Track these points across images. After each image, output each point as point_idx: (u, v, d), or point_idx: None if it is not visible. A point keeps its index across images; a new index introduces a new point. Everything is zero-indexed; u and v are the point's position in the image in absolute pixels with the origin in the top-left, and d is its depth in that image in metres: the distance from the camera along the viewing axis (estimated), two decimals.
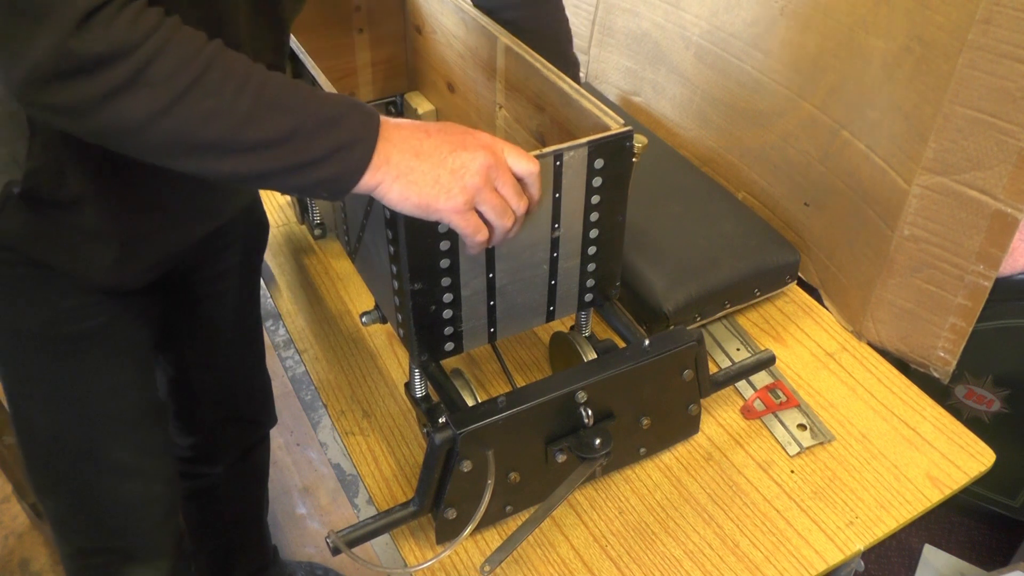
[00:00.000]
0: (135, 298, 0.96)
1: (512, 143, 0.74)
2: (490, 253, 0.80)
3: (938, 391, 1.05)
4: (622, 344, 0.93)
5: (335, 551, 0.78)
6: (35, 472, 1.06)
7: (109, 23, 0.59)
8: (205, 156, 0.66)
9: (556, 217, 0.81)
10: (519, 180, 0.73)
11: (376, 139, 0.68)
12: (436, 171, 0.69)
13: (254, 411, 1.37)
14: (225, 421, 1.29)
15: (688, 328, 0.90)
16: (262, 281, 1.20)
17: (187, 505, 1.29)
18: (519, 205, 0.73)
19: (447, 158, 0.70)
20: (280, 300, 1.17)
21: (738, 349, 1.08)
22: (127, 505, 1.11)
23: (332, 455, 2.16)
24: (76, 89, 0.61)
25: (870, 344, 1.08)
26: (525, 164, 0.73)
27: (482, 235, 0.71)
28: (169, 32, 0.62)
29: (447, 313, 0.82)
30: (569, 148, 0.77)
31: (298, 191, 0.73)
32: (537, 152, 0.76)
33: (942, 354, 1.02)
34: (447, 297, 0.80)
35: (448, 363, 0.92)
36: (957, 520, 1.77)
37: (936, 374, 1.04)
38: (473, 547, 0.87)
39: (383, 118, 0.70)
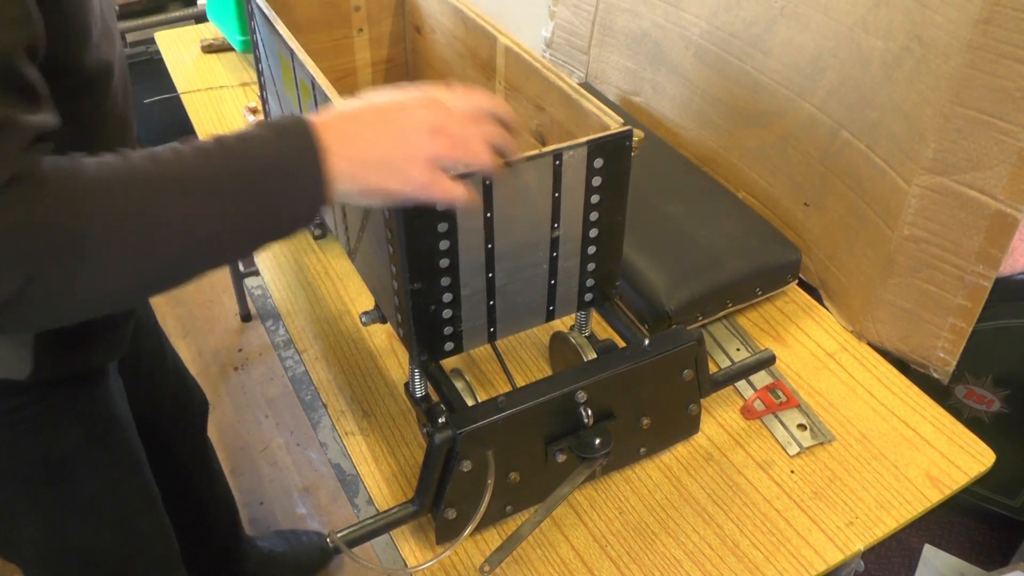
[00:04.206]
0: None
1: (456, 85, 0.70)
2: (490, 253, 0.80)
3: (938, 391, 1.05)
4: (622, 344, 0.93)
5: (335, 551, 0.77)
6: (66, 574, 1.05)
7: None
8: (194, 272, 0.62)
9: (556, 217, 0.81)
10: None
11: (319, 160, 0.63)
12: (387, 162, 0.65)
13: (189, 393, 1.39)
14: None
15: (689, 327, 0.90)
16: (262, 281, 1.20)
17: None
18: (488, 133, 0.68)
19: (391, 141, 0.65)
20: (280, 300, 1.17)
21: (738, 349, 1.08)
22: (159, 564, 1.13)
23: (332, 455, 2.17)
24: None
25: (870, 344, 1.08)
26: (469, 101, 0.68)
27: (459, 192, 0.67)
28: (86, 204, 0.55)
29: (447, 313, 0.82)
30: (569, 148, 0.77)
31: (275, 240, 0.67)
32: (537, 152, 0.76)
33: (942, 354, 1.02)
34: (447, 297, 0.80)
35: (448, 363, 0.92)
36: (957, 520, 1.77)
37: (936, 374, 1.04)
38: (473, 547, 0.87)
39: (313, 124, 0.63)
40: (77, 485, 0.97)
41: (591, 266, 0.87)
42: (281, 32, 0.95)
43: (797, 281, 1.15)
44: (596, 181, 0.81)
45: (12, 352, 0.82)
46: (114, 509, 1.03)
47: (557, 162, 0.77)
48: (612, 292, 0.91)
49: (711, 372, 0.91)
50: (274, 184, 0.62)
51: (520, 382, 0.98)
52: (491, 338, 0.87)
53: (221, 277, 2.54)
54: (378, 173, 0.65)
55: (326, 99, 0.84)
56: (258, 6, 1.03)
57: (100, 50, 0.77)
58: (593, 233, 0.85)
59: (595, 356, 0.94)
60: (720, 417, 1.00)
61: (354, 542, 0.78)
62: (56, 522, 0.98)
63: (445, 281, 0.79)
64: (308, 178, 0.62)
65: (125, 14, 2.70)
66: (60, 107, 0.63)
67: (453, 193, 0.67)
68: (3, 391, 0.85)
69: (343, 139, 0.64)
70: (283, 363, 2.30)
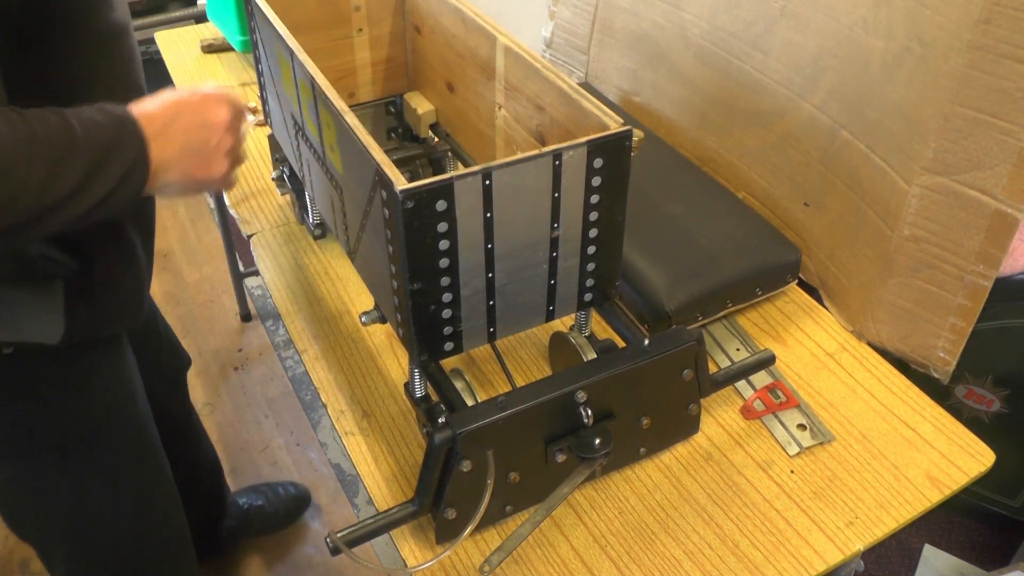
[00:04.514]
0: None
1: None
2: (490, 253, 0.80)
3: (938, 391, 1.05)
4: (622, 344, 0.93)
5: (335, 551, 0.77)
6: (87, 556, 1.07)
7: None
8: (16, 232, 0.67)
9: (555, 217, 0.81)
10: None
11: (146, 146, 0.72)
12: (197, 151, 0.75)
13: (179, 358, 1.43)
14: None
15: (689, 327, 0.90)
16: (262, 281, 1.20)
17: None
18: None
19: (201, 133, 0.76)
20: (280, 300, 1.16)
21: (738, 349, 1.08)
22: (173, 551, 1.17)
23: (332, 455, 2.17)
24: None
25: (870, 344, 1.08)
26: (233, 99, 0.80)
27: (233, 179, 0.82)
28: None
29: (447, 313, 0.82)
30: (568, 148, 0.77)
31: (95, 219, 0.74)
32: (537, 152, 0.76)
33: (942, 354, 1.02)
34: (447, 297, 0.80)
35: (448, 363, 0.92)
36: (957, 520, 1.77)
37: (936, 374, 1.04)
38: (473, 547, 0.87)
39: (135, 115, 0.72)
40: (103, 455, 1.00)
41: (591, 266, 0.87)
42: (281, 32, 0.95)
43: (797, 281, 1.15)
44: (596, 181, 0.81)
45: (45, 317, 0.85)
46: (135, 482, 1.07)
47: (557, 162, 0.77)
48: (612, 292, 0.91)
49: (711, 372, 0.91)
50: (113, 162, 0.70)
51: (520, 382, 0.98)
52: (491, 338, 0.87)
53: (221, 277, 2.54)
54: (192, 162, 0.75)
55: (326, 99, 0.84)
56: (258, 6, 1.03)
57: (117, 12, 0.84)
58: (593, 233, 0.85)
59: (595, 356, 0.94)
60: (720, 417, 1.00)
61: (354, 542, 0.78)
62: (85, 493, 1.01)
63: (445, 281, 0.79)
64: (140, 165, 0.72)
65: None
66: (85, 66, 0.75)
67: (233, 181, 0.82)
68: (35, 356, 0.88)
69: (165, 132, 0.73)
70: (283, 363, 2.30)
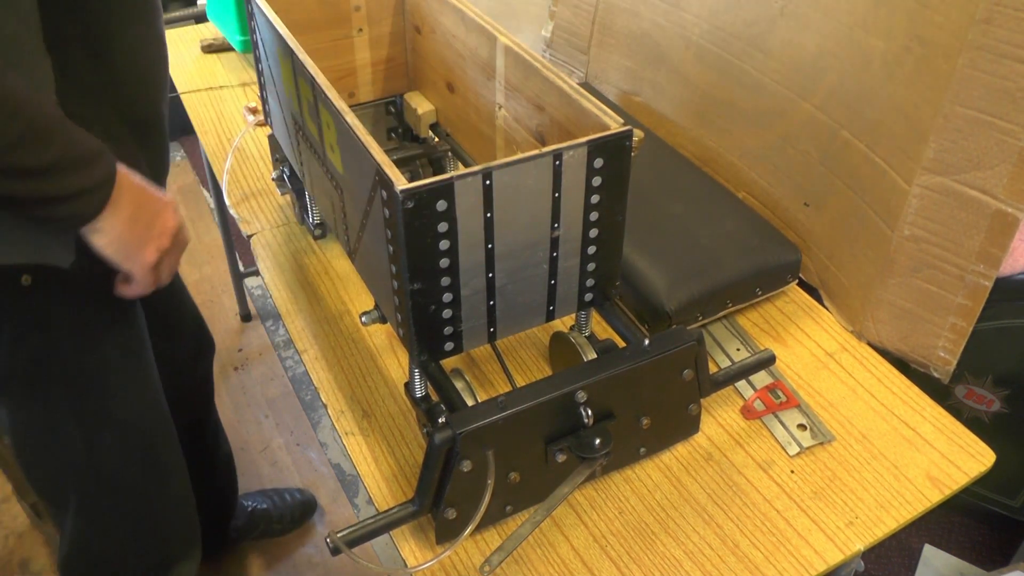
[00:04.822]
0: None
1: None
2: (490, 253, 0.80)
3: (938, 391, 1.05)
4: (622, 344, 0.93)
5: (335, 551, 0.77)
6: (93, 514, 1.09)
7: None
8: None
9: (556, 217, 0.81)
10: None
11: (112, 187, 0.79)
12: (140, 230, 0.84)
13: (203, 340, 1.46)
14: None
15: (689, 327, 0.90)
16: (262, 281, 1.20)
17: None
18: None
19: (152, 219, 0.85)
20: (280, 300, 1.16)
21: (738, 349, 1.08)
22: (176, 506, 1.15)
23: (332, 455, 2.17)
24: None
25: (870, 344, 1.08)
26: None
27: (152, 286, 0.89)
28: None
29: (447, 313, 0.82)
30: (568, 148, 0.77)
31: (32, 220, 0.81)
32: (537, 152, 0.76)
33: (942, 354, 1.02)
34: (447, 297, 0.80)
35: (448, 363, 0.92)
36: (957, 520, 1.77)
37: (936, 374, 1.04)
38: (473, 547, 0.87)
39: (120, 166, 0.81)
40: (114, 401, 1.03)
41: (591, 266, 0.87)
42: (281, 32, 0.95)
43: (797, 281, 1.15)
44: (596, 181, 0.81)
45: (57, 240, 0.89)
46: (143, 435, 1.08)
47: (557, 162, 0.77)
48: (612, 292, 0.91)
49: (711, 372, 0.91)
50: (79, 175, 0.77)
51: (520, 382, 0.98)
52: (491, 338, 0.87)
53: (221, 277, 2.54)
54: (132, 233, 0.83)
55: (326, 99, 0.84)
56: (258, 6, 1.03)
57: None
58: (593, 233, 0.85)
59: (595, 356, 0.94)
60: (720, 417, 1.00)
61: (354, 542, 0.78)
62: (96, 440, 1.03)
63: (445, 281, 0.79)
64: (100, 193, 0.79)
65: None
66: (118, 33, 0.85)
67: (150, 286, 0.90)
68: (53, 289, 0.92)
69: (129, 194, 0.82)
70: (283, 363, 2.30)
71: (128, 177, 0.83)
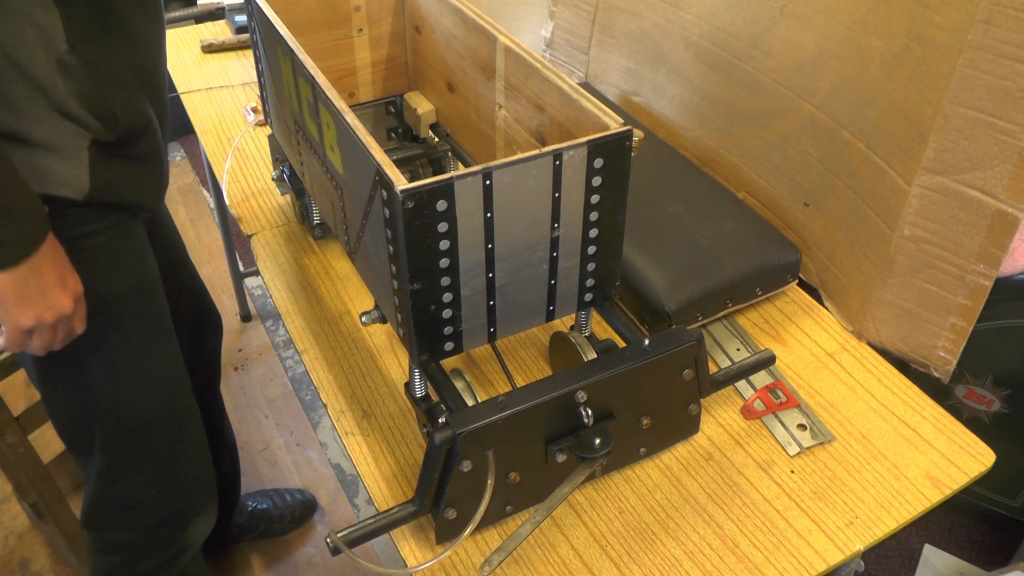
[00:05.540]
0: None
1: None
2: (490, 253, 0.80)
3: (938, 391, 1.05)
4: (622, 344, 0.93)
5: (335, 551, 0.77)
6: (116, 455, 1.10)
7: None
8: None
9: (556, 217, 0.81)
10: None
11: (27, 256, 0.82)
12: (25, 293, 0.85)
13: (206, 315, 1.45)
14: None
15: (689, 327, 0.90)
16: (262, 281, 1.20)
17: None
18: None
19: (42, 289, 0.85)
20: (280, 300, 1.17)
21: (738, 349, 1.08)
22: (193, 453, 1.16)
23: (332, 455, 2.17)
24: None
25: (870, 344, 1.08)
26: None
27: (17, 348, 0.90)
28: None
29: (447, 313, 0.82)
30: (568, 148, 0.77)
31: None
32: (537, 152, 0.76)
33: (942, 354, 1.02)
34: (447, 297, 0.80)
35: (448, 363, 0.92)
36: (957, 520, 1.77)
37: (936, 374, 1.04)
38: (473, 547, 0.87)
39: (49, 238, 0.85)
40: (131, 333, 1.04)
41: (591, 266, 0.87)
42: (281, 32, 0.95)
43: (797, 281, 1.15)
44: (596, 181, 0.81)
45: (71, 171, 0.91)
46: (159, 372, 1.09)
47: (557, 162, 0.77)
48: (612, 292, 0.91)
49: (711, 372, 0.91)
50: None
51: (520, 382, 0.98)
52: (491, 338, 0.87)
53: (221, 277, 2.54)
54: (18, 287, 0.84)
55: (326, 99, 0.84)
56: (258, 6, 1.03)
57: None
58: (593, 233, 0.85)
59: (595, 356, 0.94)
60: (720, 417, 1.00)
61: (354, 542, 0.78)
62: (115, 372, 1.04)
63: (445, 281, 0.79)
64: (15, 251, 0.82)
65: None
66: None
67: (19, 348, 0.90)
68: (62, 216, 0.92)
69: (42, 254, 0.84)
70: (283, 363, 2.30)
71: (53, 242, 0.86)
